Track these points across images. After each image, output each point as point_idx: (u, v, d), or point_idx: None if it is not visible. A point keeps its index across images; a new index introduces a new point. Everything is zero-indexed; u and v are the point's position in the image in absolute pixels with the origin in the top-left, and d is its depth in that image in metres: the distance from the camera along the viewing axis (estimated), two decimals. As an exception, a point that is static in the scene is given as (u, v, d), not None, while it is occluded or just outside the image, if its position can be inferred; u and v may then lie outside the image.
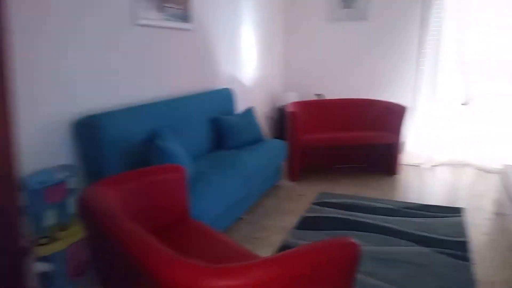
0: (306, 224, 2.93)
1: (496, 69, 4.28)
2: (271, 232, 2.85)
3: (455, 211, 3.11)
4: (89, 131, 2.26)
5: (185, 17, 3.26)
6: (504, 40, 4.18)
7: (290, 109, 4.00)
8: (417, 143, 4.66)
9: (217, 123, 3.40)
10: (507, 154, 4.24)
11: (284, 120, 4.67)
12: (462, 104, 4.48)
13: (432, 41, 4.50)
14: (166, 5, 3.00)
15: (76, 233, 2.08)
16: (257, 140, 3.57)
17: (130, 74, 2.73)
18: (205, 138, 3.26)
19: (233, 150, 3.27)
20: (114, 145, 2.32)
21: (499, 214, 3.08)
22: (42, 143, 2.14)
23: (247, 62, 4.46)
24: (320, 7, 5.00)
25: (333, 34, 5.02)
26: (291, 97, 4.98)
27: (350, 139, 3.99)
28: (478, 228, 2.85)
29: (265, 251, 2.56)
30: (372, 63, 4.89)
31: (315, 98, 5.09)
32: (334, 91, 5.06)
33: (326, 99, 4.64)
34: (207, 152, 3.25)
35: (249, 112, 3.70)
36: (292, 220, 3.03)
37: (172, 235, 1.90)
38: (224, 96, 3.70)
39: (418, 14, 4.56)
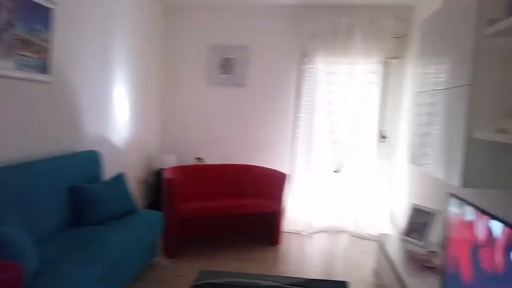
0: (184, 315, 2.48)
1: (362, 139, 4.58)
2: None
3: (340, 286, 2.98)
4: None
5: (43, 68, 2.73)
6: (367, 113, 4.52)
7: (167, 175, 3.61)
8: (296, 210, 4.62)
9: (78, 193, 2.82)
10: (378, 220, 4.44)
11: (161, 186, 4.24)
12: (334, 172, 4.63)
13: (307, 110, 4.67)
14: (19, 52, 2.47)
15: None
16: (128, 212, 3.06)
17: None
18: (61, 212, 2.65)
19: (97, 226, 2.72)
20: None
21: (381, 287, 3.06)
22: None
23: (120, 121, 4.01)
24: (199, 70, 4.89)
25: (212, 98, 4.90)
26: (169, 160, 4.61)
27: (232, 208, 3.74)
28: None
29: None
30: (251, 128, 4.86)
31: (195, 162, 4.80)
32: (215, 155, 4.85)
33: (206, 164, 4.37)
34: (63, 231, 2.63)
35: (119, 179, 3.21)
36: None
37: None
38: (89, 160, 3.15)
39: (293, 84, 4.73)
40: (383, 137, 4.60)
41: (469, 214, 2.00)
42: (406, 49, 4.38)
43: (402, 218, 4.06)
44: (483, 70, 2.02)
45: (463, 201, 2.08)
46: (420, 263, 2.70)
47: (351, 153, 4.58)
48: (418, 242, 3.03)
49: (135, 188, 4.32)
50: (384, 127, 4.59)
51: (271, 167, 4.37)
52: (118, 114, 3.95)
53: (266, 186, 4.10)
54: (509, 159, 2.04)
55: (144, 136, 4.62)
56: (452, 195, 2.22)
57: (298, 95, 4.71)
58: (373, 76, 4.47)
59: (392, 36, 4.37)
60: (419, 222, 3.11)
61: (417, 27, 4.01)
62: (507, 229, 1.64)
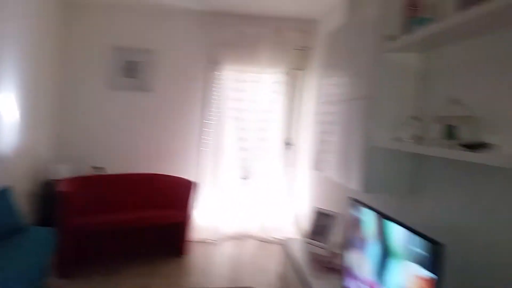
0: None
1: (269, 146, 4.70)
2: None
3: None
4: None
5: None
6: (273, 120, 4.66)
7: (61, 187, 3.29)
8: (204, 218, 4.55)
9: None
10: (284, 224, 4.56)
11: (54, 199, 3.86)
12: (242, 178, 4.67)
13: (215, 117, 4.64)
14: None
15: None
16: (14, 230, 2.72)
17: None
18: None
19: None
20: None
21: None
22: None
23: (6, 128, 3.55)
24: (101, 73, 4.56)
25: (115, 103, 4.61)
26: (63, 170, 4.21)
27: (133, 221, 3.53)
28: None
29: None
30: (157, 135, 4.67)
31: (92, 171, 4.46)
32: (117, 164, 4.55)
33: (106, 174, 4.09)
34: None
35: (3, 193, 2.84)
36: None
37: None
38: (-36, 172, 2.74)
39: (201, 90, 4.66)
40: (288, 144, 4.76)
41: (368, 216, 2.12)
42: (309, 61, 4.59)
43: (306, 221, 4.22)
44: (382, 83, 2.18)
45: (362, 205, 2.21)
46: (323, 265, 2.81)
47: (258, 160, 4.67)
48: (321, 244, 3.16)
49: (23, 202, 3.86)
50: (289, 135, 4.76)
51: (178, 175, 4.25)
52: (3, 119, 3.50)
53: (172, 195, 3.96)
54: (404, 165, 2.22)
55: (35, 144, 4.17)
56: (352, 199, 2.35)
57: (205, 101, 4.66)
58: (278, 85, 4.62)
59: (296, 48, 4.56)
60: (322, 225, 3.24)
61: (321, 41, 4.23)
62: (404, 230, 1.77)
